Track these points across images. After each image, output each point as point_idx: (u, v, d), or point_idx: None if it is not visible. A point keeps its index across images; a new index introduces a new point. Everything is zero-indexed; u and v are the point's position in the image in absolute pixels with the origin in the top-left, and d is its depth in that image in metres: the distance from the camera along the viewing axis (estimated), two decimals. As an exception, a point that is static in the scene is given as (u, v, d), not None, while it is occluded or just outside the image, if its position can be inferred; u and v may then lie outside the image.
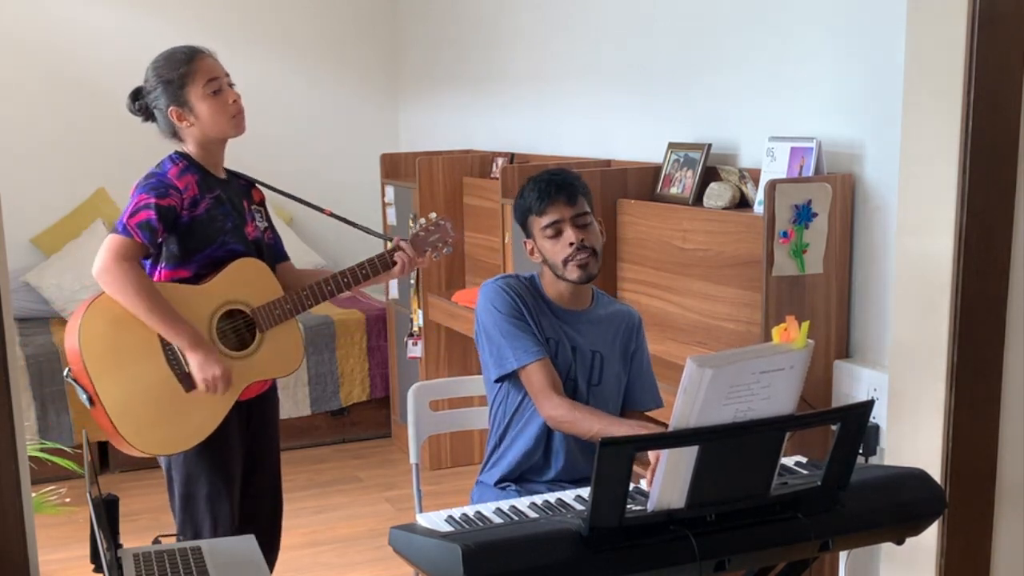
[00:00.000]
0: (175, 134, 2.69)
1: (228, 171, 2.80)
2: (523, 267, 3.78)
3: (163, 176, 2.61)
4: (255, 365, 2.70)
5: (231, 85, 2.69)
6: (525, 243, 2.63)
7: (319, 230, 5.75)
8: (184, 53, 2.65)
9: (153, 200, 2.56)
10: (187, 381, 2.61)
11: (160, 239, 2.60)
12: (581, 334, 2.60)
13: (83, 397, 2.58)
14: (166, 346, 2.61)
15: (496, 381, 2.60)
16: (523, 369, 2.52)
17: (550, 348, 2.56)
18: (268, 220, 2.86)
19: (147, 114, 2.71)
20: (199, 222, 2.62)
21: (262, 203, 2.87)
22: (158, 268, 2.66)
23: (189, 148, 2.69)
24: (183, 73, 2.62)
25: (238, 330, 2.69)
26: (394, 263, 2.79)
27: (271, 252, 2.83)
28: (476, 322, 2.63)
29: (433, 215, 2.90)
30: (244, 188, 2.82)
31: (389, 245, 2.83)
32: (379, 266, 2.78)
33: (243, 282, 2.68)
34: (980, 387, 2.55)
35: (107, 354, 2.58)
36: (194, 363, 2.58)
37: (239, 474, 2.77)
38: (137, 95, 2.72)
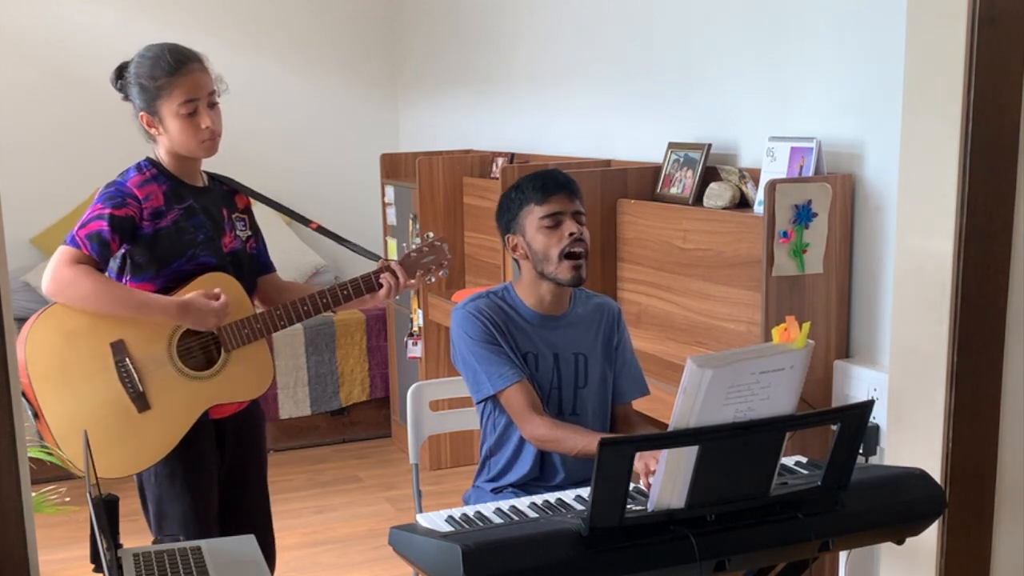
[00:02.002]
0: (147, 132, 2.57)
1: (211, 176, 2.68)
2: (523, 267, 3.78)
3: (122, 185, 2.51)
4: (218, 386, 2.56)
5: (212, 104, 2.53)
6: (509, 239, 2.57)
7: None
8: (169, 63, 2.47)
9: (108, 211, 2.45)
10: (140, 401, 2.50)
11: (117, 251, 2.49)
12: (562, 339, 2.58)
13: (28, 412, 2.48)
14: (119, 363, 2.49)
15: (478, 403, 2.61)
16: (500, 394, 2.51)
17: (529, 363, 2.54)
18: (253, 228, 2.74)
19: (126, 95, 2.58)
20: (164, 234, 2.50)
21: (247, 210, 2.74)
22: (123, 281, 2.55)
23: (160, 153, 2.57)
24: (160, 86, 2.47)
25: (206, 347, 2.58)
26: (380, 285, 2.65)
27: (253, 264, 2.71)
28: (452, 346, 2.61)
29: (430, 235, 2.77)
30: (226, 195, 2.68)
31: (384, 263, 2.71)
32: (363, 287, 2.64)
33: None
34: (980, 387, 2.55)
35: (54, 370, 2.48)
36: (192, 325, 2.48)
37: (215, 494, 2.66)
38: (121, 73, 2.57)
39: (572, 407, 2.58)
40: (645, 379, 2.71)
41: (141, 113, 2.53)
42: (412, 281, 2.70)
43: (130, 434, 2.51)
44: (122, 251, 2.52)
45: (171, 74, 2.48)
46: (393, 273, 2.67)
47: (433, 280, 2.78)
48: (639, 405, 2.82)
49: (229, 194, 2.71)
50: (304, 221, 2.85)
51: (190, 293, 2.49)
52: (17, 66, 5.45)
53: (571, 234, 2.48)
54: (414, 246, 2.75)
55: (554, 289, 2.56)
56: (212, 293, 2.50)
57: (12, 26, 5.44)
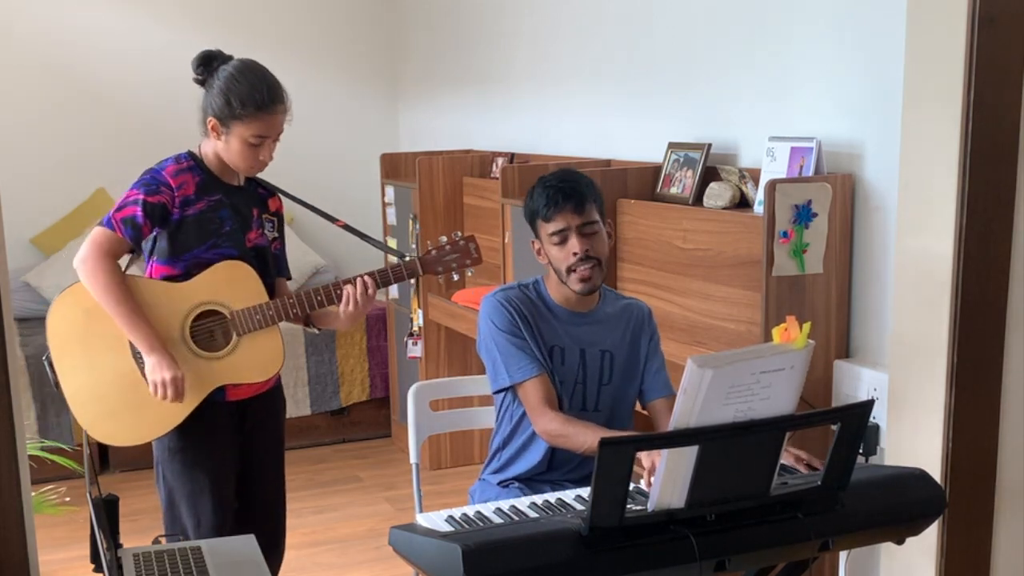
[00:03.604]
0: (207, 130, 2.66)
1: (250, 178, 2.78)
2: (522, 267, 3.78)
3: (158, 173, 2.63)
4: (226, 367, 2.67)
5: (277, 139, 2.66)
6: (533, 243, 2.63)
7: (319, 231, 5.74)
8: (264, 99, 2.59)
9: (142, 196, 2.58)
10: None
11: (149, 234, 2.62)
12: (589, 335, 2.61)
13: (52, 379, 2.66)
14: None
15: (495, 393, 2.63)
16: (518, 386, 2.54)
17: (555, 356, 2.57)
18: (279, 232, 2.85)
19: (202, 84, 2.66)
20: (190, 222, 2.62)
21: (277, 214, 2.85)
22: (150, 263, 2.67)
23: (206, 149, 2.68)
24: (246, 113, 2.58)
25: (226, 330, 2.67)
26: (339, 296, 2.67)
27: (275, 263, 2.82)
28: (478, 332, 2.64)
29: (457, 233, 2.80)
30: (260, 197, 2.80)
31: (392, 260, 2.76)
32: (334, 296, 2.68)
33: (225, 284, 2.65)
34: (980, 387, 2.55)
35: (72, 340, 2.64)
36: (147, 365, 2.59)
37: (229, 473, 2.75)
38: (208, 63, 2.65)
39: (595, 403, 2.61)
40: (669, 381, 2.70)
41: (212, 118, 2.62)
42: (371, 295, 2.70)
43: (140, 406, 2.63)
44: (153, 234, 2.64)
45: (260, 109, 2.60)
46: (362, 285, 2.68)
47: (457, 278, 2.81)
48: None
49: (264, 196, 2.82)
50: (331, 219, 2.92)
51: (167, 362, 2.57)
52: (17, 67, 5.45)
53: (575, 253, 2.51)
54: (441, 240, 2.79)
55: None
56: (176, 378, 2.56)
57: (12, 27, 5.44)
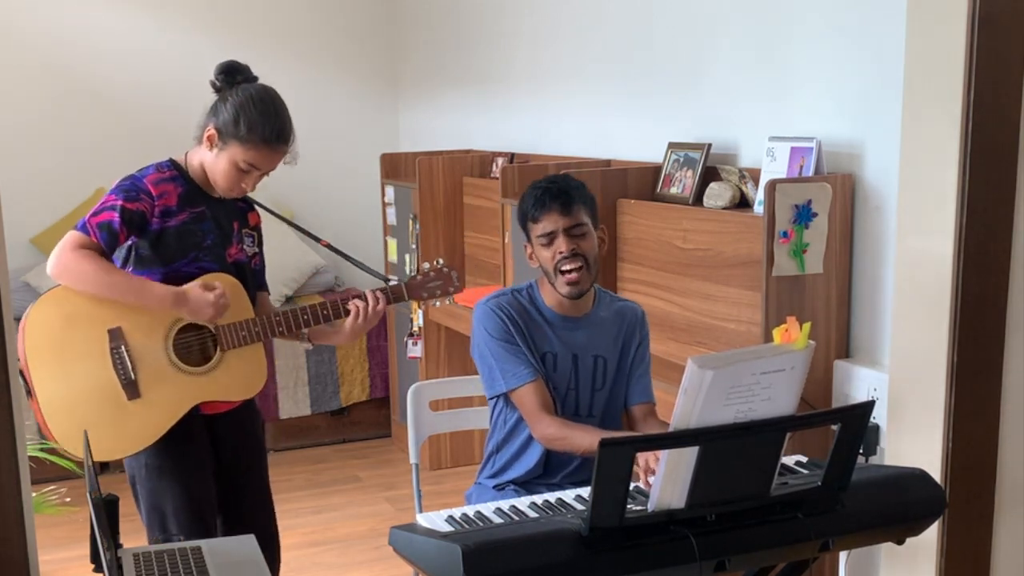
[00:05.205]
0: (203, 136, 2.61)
1: None
2: (522, 267, 3.78)
3: (139, 180, 2.56)
4: (208, 383, 2.60)
5: (266, 174, 2.62)
6: (525, 247, 2.62)
7: (319, 231, 5.72)
8: (270, 134, 2.53)
9: (120, 202, 2.51)
10: (131, 388, 2.54)
11: (124, 242, 2.54)
12: (582, 340, 2.60)
13: (24, 388, 2.53)
14: (114, 349, 2.53)
15: (490, 399, 2.64)
16: (513, 392, 2.53)
17: (547, 363, 2.57)
18: (259, 247, 2.80)
19: (217, 91, 2.61)
20: (170, 233, 2.56)
21: (256, 228, 2.80)
22: (127, 270, 2.60)
23: (193, 159, 2.62)
24: (249, 139, 2.52)
25: (203, 345, 2.62)
26: (347, 312, 2.67)
27: (255, 278, 2.77)
28: (472, 338, 2.64)
29: (439, 261, 2.81)
30: (240, 210, 2.74)
31: (386, 278, 2.78)
32: (331, 312, 2.67)
33: None
34: (980, 387, 2.55)
35: (50, 348, 2.53)
36: (188, 315, 2.54)
37: (208, 488, 2.68)
38: (232, 74, 2.59)
39: (588, 408, 2.60)
40: (651, 389, 2.70)
41: (213, 128, 2.56)
42: (380, 309, 2.71)
43: (118, 420, 2.54)
44: (129, 243, 2.57)
45: (264, 141, 2.54)
46: (365, 300, 2.68)
47: (438, 304, 2.82)
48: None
49: (244, 210, 2.77)
50: (315, 238, 2.92)
51: (201, 298, 2.53)
52: (18, 66, 5.45)
53: (560, 252, 2.50)
54: (423, 269, 2.80)
55: None
56: (210, 285, 2.54)
57: (12, 27, 5.44)
